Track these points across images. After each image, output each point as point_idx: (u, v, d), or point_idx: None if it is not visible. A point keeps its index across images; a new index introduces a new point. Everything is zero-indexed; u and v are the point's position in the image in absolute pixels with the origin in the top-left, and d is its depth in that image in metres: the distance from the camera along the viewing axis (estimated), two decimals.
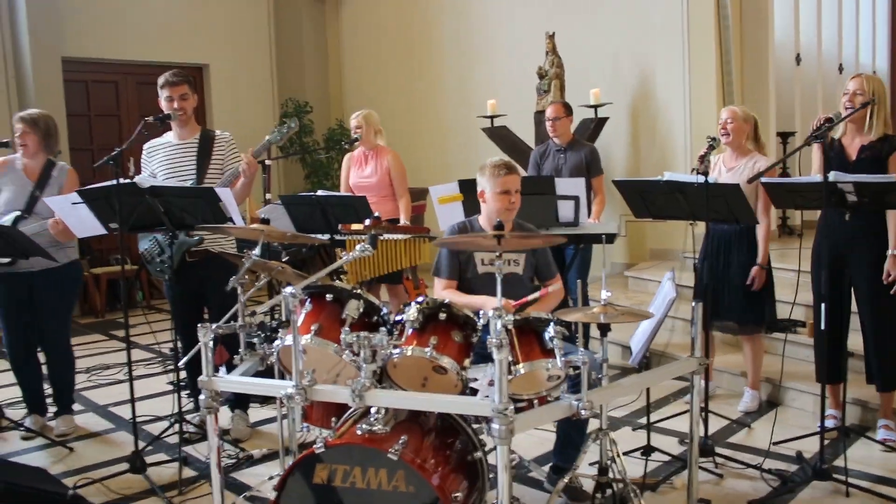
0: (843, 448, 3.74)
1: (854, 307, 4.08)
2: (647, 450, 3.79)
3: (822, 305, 3.56)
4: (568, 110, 5.64)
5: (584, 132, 7.07)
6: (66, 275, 4.41)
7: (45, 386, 4.66)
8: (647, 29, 7.48)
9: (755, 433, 4.29)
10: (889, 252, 3.83)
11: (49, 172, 4.37)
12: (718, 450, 3.88)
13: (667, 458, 3.86)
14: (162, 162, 4.32)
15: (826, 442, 3.66)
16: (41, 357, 4.58)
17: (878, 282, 3.88)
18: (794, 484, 3.54)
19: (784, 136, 8.24)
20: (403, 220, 5.47)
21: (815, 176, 3.64)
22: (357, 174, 5.64)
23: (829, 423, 4.04)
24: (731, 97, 7.33)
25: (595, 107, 7.05)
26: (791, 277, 6.11)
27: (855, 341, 4.14)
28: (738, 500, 3.46)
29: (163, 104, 4.26)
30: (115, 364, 6.06)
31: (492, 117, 7.45)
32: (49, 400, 4.72)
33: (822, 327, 3.59)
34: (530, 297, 3.24)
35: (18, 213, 4.25)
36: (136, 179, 3.77)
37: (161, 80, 4.26)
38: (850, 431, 4.02)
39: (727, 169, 4.45)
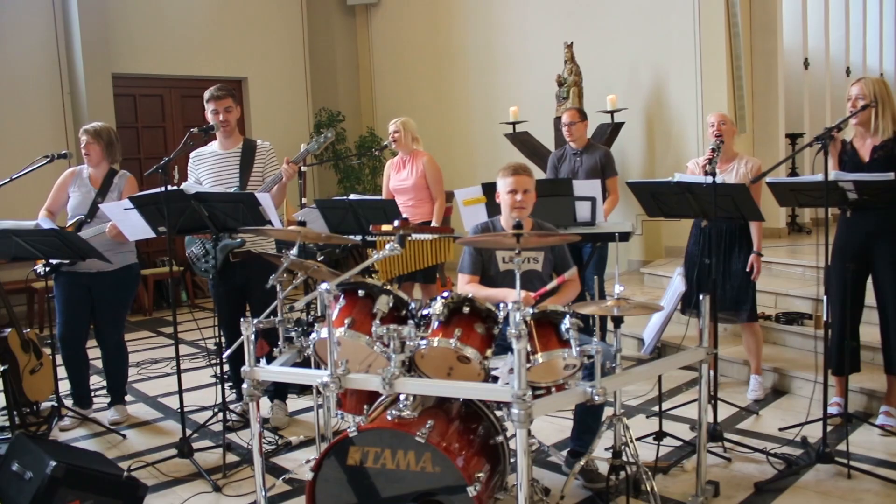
0: (846, 433, 3.76)
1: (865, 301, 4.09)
2: (660, 435, 3.84)
3: (825, 298, 3.59)
4: (583, 116, 5.69)
5: (601, 136, 7.12)
6: (123, 277, 4.53)
7: (92, 381, 4.80)
8: (661, 37, 7.50)
9: (763, 420, 4.32)
10: None
11: (111, 180, 4.50)
12: (727, 435, 3.91)
13: (678, 443, 3.90)
14: (208, 170, 4.44)
15: (830, 428, 3.68)
16: (93, 353, 4.69)
17: None
18: (798, 467, 3.57)
19: (793, 138, 8.21)
20: (434, 222, 5.53)
21: (817, 175, 3.67)
22: (395, 178, 5.71)
23: (834, 410, 4.06)
24: (741, 101, 7.34)
25: (612, 112, 7.09)
26: (801, 273, 6.17)
27: (863, 332, 4.15)
28: (744, 482, 3.50)
29: (209, 116, 4.38)
30: (163, 358, 6.21)
31: (514, 123, 7.51)
32: (102, 392, 4.86)
33: (826, 318, 3.62)
34: (549, 287, 3.30)
35: (81, 217, 4.40)
36: (183, 186, 3.87)
37: (207, 95, 4.37)
38: (853, 418, 4.04)
39: (719, 171, 4.46)
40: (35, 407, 4.69)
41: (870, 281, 4.01)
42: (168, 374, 5.73)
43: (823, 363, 3.83)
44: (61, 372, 4.65)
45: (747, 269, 4.46)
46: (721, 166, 4.47)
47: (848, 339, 3.91)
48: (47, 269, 4.39)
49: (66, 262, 4.33)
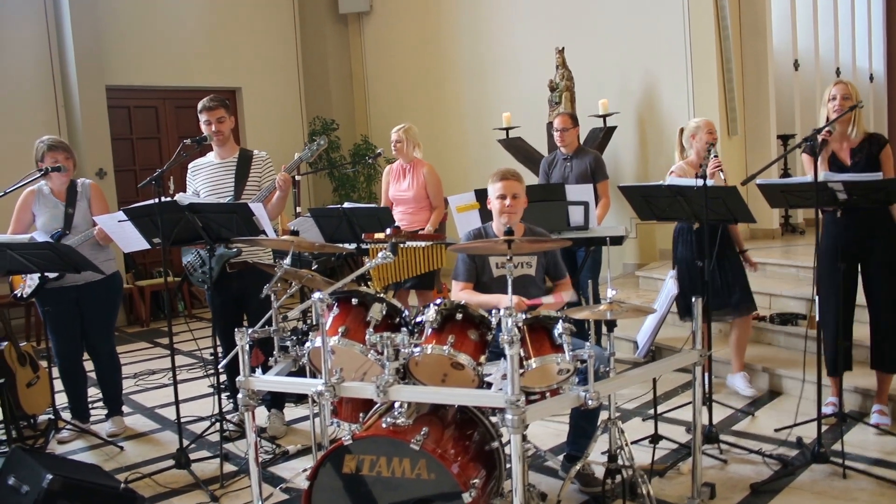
0: (841, 433, 3.76)
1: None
2: (655, 438, 3.83)
3: (817, 298, 3.60)
4: (574, 121, 5.70)
5: (594, 141, 7.13)
6: (109, 286, 4.53)
7: (89, 394, 4.79)
8: (651, 41, 7.52)
9: (758, 421, 4.32)
10: None
11: (74, 190, 4.49)
12: (723, 437, 3.91)
13: (674, 445, 3.90)
14: (204, 180, 4.45)
15: (825, 428, 3.69)
16: (87, 365, 4.69)
17: (891, 269, 3.92)
18: (794, 467, 3.58)
19: (784, 139, 8.23)
20: (429, 227, 5.54)
21: (807, 176, 3.69)
22: (395, 187, 5.72)
23: (829, 410, 4.07)
24: (732, 104, 7.36)
25: (604, 116, 7.10)
26: (795, 273, 6.18)
27: (856, 331, 4.16)
28: (740, 483, 3.50)
29: (203, 127, 4.39)
30: (160, 369, 6.20)
31: (507, 129, 7.52)
32: (99, 404, 4.86)
33: (818, 318, 3.63)
34: (544, 300, 3.32)
35: (59, 231, 4.38)
36: (177, 197, 3.88)
37: (200, 106, 4.39)
38: (848, 417, 4.04)
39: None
40: (32, 420, 4.68)
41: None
42: (165, 385, 5.71)
43: (816, 363, 3.84)
44: (58, 385, 4.64)
45: (744, 268, 4.55)
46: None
47: (841, 339, 3.92)
48: (30, 291, 4.36)
49: (53, 277, 4.31)
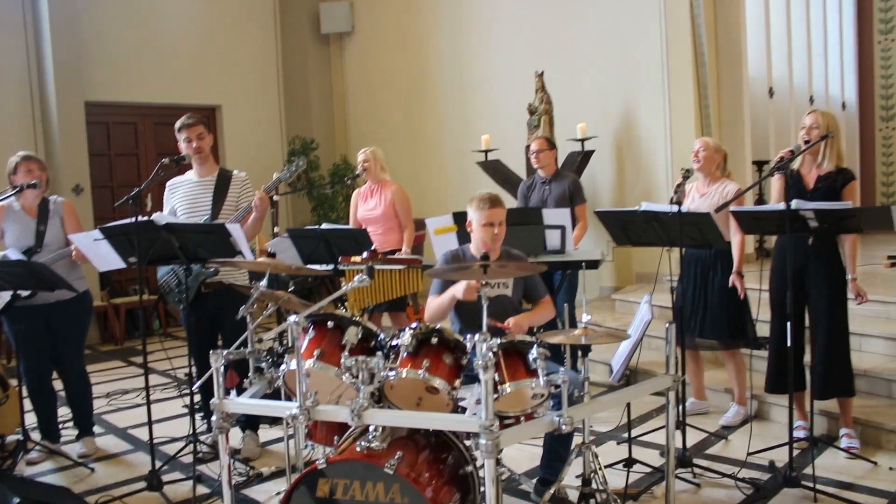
0: (812, 457, 3.80)
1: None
2: (629, 462, 3.85)
3: (788, 324, 3.65)
4: (551, 145, 5.75)
5: (572, 164, 7.19)
6: (80, 305, 4.48)
7: (59, 414, 4.72)
8: (630, 67, 7.62)
9: (731, 444, 4.36)
10: (848, 277, 3.97)
11: (46, 207, 4.45)
12: (696, 461, 3.94)
13: (648, 469, 3.92)
14: (182, 198, 4.42)
15: (797, 452, 3.72)
16: (56, 385, 4.63)
17: (833, 299, 4.01)
18: (765, 491, 3.61)
19: (759, 165, 8.36)
20: (405, 250, 5.54)
21: (780, 204, 3.75)
22: (363, 207, 5.72)
23: (801, 434, 4.11)
24: (708, 129, 7.46)
25: (582, 140, 7.17)
26: (765, 297, 6.23)
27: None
28: None
29: (182, 146, 4.37)
30: (134, 389, 6.11)
31: (486, 151, 7.57)
32: (70, 424, 4.79)
33: (789, 343, 3.68)
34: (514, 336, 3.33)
35: (29, 247, 4.32)
36: (154, 217, 3.86)
37: (178, 125, 4.38)
38: (818, 441, 4.08)
39: (700, 195, 4.57)
40: (1, 441, 4.60)
41: None
42: (138, 405, 5.64)
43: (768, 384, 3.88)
44: (28, 404, 4.57)
45: (729, 287, 4.49)
46: (703, 189, 4.59)
47: (793, 361, 3.94)
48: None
49: (25, 294, 4.26)
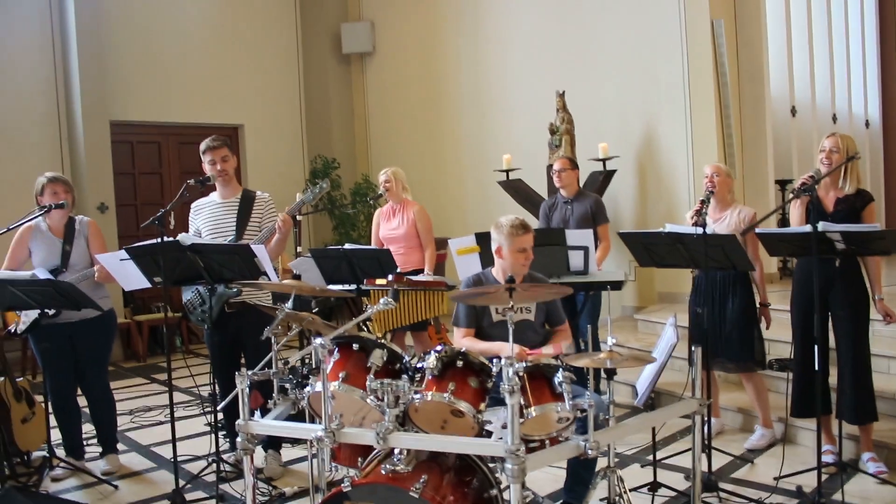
0: (842, 482, 3.74)
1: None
2: (654, 486, 3.82)
3: (816, 347, 3.62)
4: (573, 164, 5.76)
5: (594, 184, 7.18)
6: (104, 324, 4.54)
7: (84, 431, 4.75)
8: (651, 87, 7.62)
9: (758, 468, 4.30)
10: (876, 297, 3.93)
11: (73, 227, 4.51)
12: (722, 485, 3.90)
13: (672, 493, 3.88)
14: (206, 219, 4.47)
15: (826, 477, 3.66)
16: (80, 402, 4.66)
17: (858, 320, 3.97)
18: None
19: (782, 184, 8.31)
20: (427, 270, 5.56)
21: (805, 226, 3.72)
22: (385, 227, 5.76)
23: (829, 459, 4.05)
24: (730, 149, 7.44)
25: (603, 160, 7.17)
26: (787, 318, 6.17)
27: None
28: None
29: (206, 168, 4.42)
30: (157, 406, 6.17)
31: (507, 171, 7.58)
32: (94, 441, 4.82)
33: (817, 367, 3.65)
34: (545, 352, 3.33)
35: (56, 267, 4.38)
36: (179, 237, 3.90)
37: (203, 147, 4.43)
38: (847, 466, 4.02)
39: (713, 220, 4.52)
40: (26, 457, 4.64)
41: None
42: (161, 423, 5.68)
43: (815, 410, 3.82)
44: (53, 421, 4.61)
45: (743, 312, 4.46)
46: (716, 215, 4.55)
47: (819, 383, 3.89)
48: (24, 327, 4.36)
49: (50, 314, 4.31)
